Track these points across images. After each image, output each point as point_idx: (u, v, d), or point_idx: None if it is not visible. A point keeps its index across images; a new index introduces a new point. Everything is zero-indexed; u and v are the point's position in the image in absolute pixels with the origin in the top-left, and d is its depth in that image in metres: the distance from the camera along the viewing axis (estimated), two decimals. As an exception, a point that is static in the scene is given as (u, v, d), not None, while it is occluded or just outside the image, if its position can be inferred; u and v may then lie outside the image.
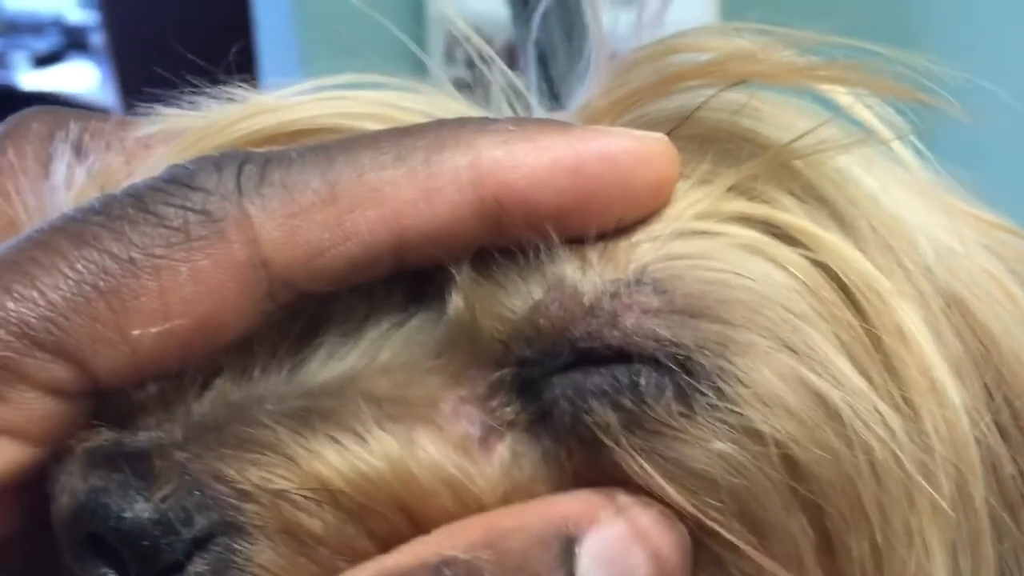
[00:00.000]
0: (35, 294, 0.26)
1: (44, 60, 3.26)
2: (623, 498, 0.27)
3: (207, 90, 0.33)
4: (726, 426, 0.27)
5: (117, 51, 2.53)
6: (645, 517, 0.27)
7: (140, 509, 0.26)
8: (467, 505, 0.27)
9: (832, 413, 0.27)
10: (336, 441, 0.27)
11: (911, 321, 0.28)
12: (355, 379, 0.28)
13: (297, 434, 0.27)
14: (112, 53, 2.56)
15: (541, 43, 0.35)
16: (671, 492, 0.27)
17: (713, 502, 0.27)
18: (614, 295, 0.28)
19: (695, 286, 0.28)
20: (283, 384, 0.29)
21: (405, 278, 0.29)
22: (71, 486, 0.27)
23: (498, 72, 0.33)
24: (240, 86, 0.33)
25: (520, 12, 0.38)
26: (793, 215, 0.29)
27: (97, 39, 2.92)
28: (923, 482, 0.27)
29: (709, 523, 0.27)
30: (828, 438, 0.27)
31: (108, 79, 2.73)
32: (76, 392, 0.27)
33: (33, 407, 0.26)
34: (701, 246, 0.28)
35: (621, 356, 0.27)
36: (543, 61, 0.35)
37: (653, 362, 0.27)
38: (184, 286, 0.26)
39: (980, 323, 0.29)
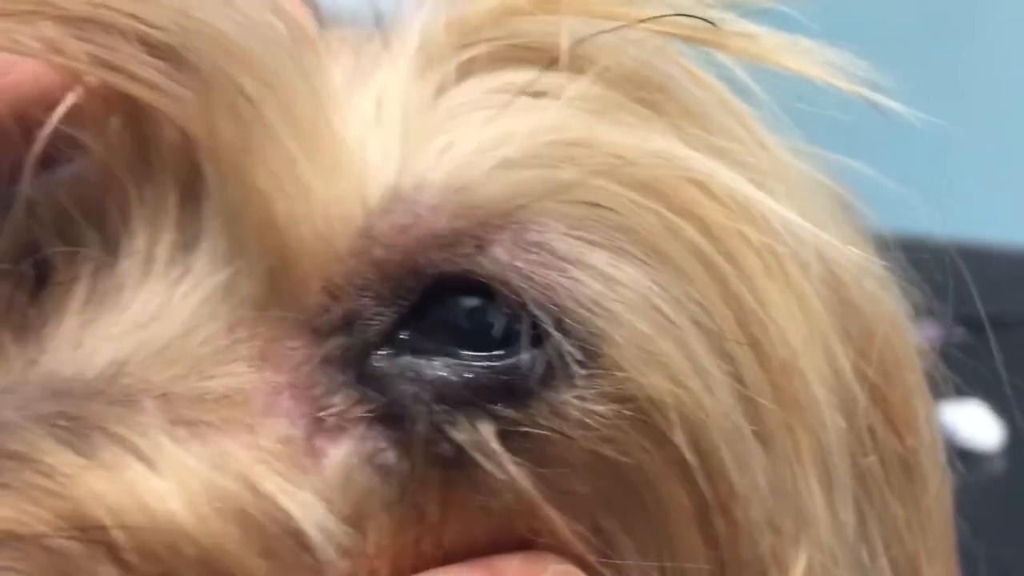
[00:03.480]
0: None
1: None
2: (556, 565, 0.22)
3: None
4: (607, 399, 0.22)
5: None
6: None
7: None
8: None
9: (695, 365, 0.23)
10: (106, 465, 0.19)
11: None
12: (124, 367, 0.21)
13: (48, 451, 0.19)
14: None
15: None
16: (564, 529, 0.22)
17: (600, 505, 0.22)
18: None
19: None
20: (20, 376, 0.21)
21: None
22: None
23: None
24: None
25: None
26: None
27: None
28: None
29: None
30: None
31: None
32: None
33: None
34: None
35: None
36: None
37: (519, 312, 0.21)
38: None
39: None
